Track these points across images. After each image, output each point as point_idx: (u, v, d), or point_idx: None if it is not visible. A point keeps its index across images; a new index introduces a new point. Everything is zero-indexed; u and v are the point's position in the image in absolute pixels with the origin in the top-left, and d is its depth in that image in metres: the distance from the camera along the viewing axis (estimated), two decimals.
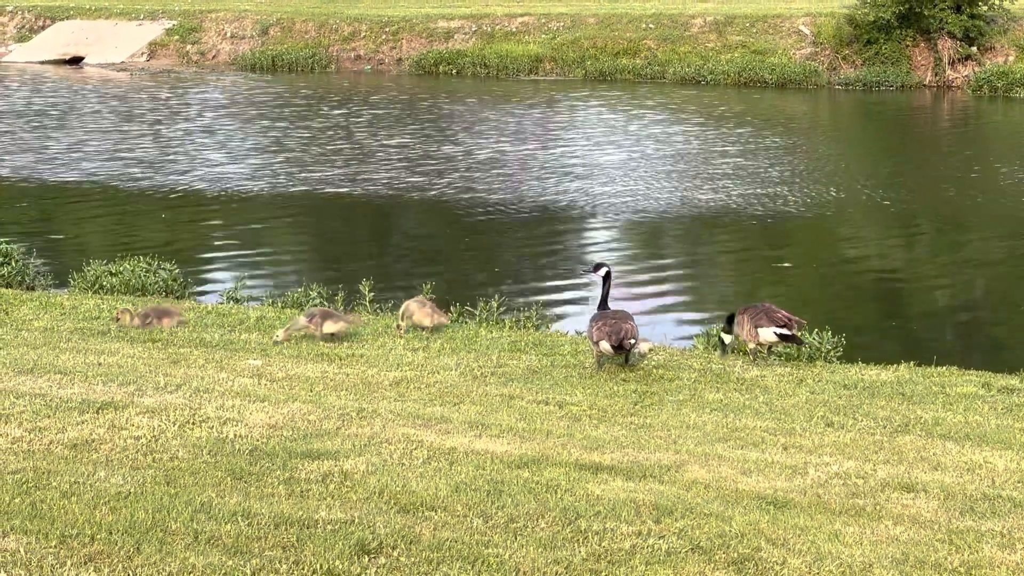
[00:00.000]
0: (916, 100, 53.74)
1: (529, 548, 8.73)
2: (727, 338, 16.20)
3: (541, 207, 31.53)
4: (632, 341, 14.84)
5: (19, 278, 21.86)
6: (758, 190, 33.06)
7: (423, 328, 16.95)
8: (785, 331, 15.46)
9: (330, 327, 16.29)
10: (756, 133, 43.63)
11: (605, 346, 14.82)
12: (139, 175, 35.83)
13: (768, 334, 15.53)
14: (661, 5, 65.55)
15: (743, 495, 10.17)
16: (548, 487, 10.02)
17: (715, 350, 16.57)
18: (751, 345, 15.92)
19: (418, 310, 17.03)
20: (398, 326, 17.01)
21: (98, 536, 8.59)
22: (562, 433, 12.04)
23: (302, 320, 16.41)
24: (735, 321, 15.95)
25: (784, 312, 15.64)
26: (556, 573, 8.34)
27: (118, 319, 16.85)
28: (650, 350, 15.85)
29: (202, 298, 21.92)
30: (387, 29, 63.38)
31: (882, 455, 11.77)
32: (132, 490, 9.55)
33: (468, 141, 42.22)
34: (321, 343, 16.19)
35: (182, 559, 8.30)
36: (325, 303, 19.50)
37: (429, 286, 19.77)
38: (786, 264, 26.93)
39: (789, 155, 39.19)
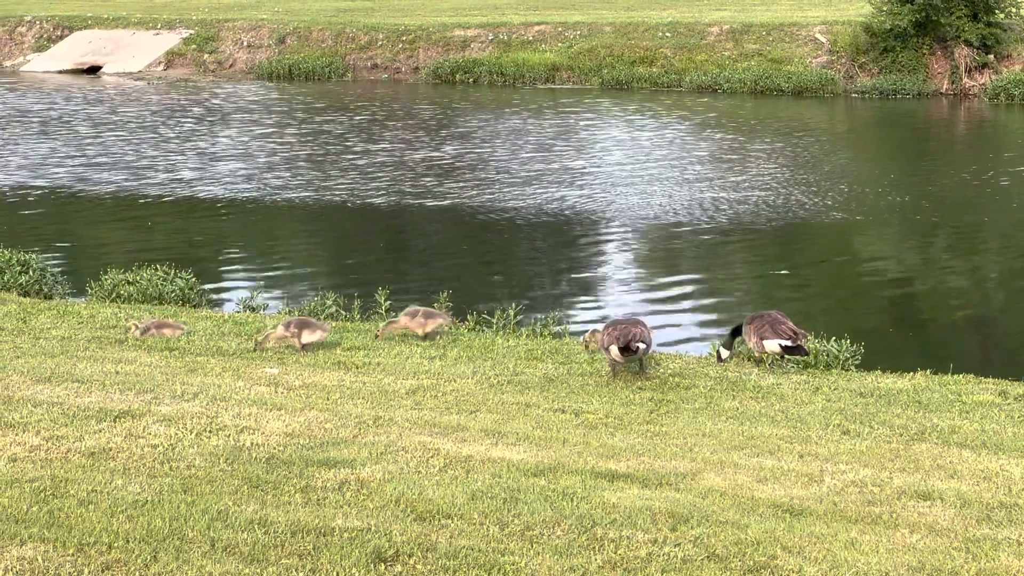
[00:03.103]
0: (933, 108, 53.66)
1: (545, 556, 8.74)
2: (724, 353, 16.19)
3: (558, 215, 31.54)
4: (642, 345, 14.81)
5: (37, 287, 21.91)
6: (774, 197, 33.04)
7: (417, 337, 16.94)
8: (789, 343, 15.46)
9: (308, 337, 16.28)
10: (772, 141, 43.60)
11: (615, 350, 14.80)
12: (154, 183, 35.90)
13: (773, 346, 15.54)
14: (678, 13, 65.55)
15: (759, 503, 10.18)
16: (564, 495, 10.04)
17: (719, 361, 16.53)
18: (756, 354, 15.94)
19: (409, 321, 17.04)
20: (376, 336, 17.09)
21: (115, 544, 8.62)
22: (578, 441, 12.05)
23: (280, 330, 16.42)
24: (743, 331, 15.96)
25: (790, 324, 15.63)
26: None
27: (128, 330, 16.87)
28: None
29: (218, 307, 21.95)
30: (404, 38, 63.45)
31: (898, 463, 11.76)
32: (149, 498, 9.58)
33: (483, 149, 42.24)
34: (337, 349, 16.23)
35: (199, 567, 8.33)
36: (342, 311, 19.53)
37: (445, 294, 19.80)
38: (783, 271, 26.89)
39: (805, 163, 39.15)
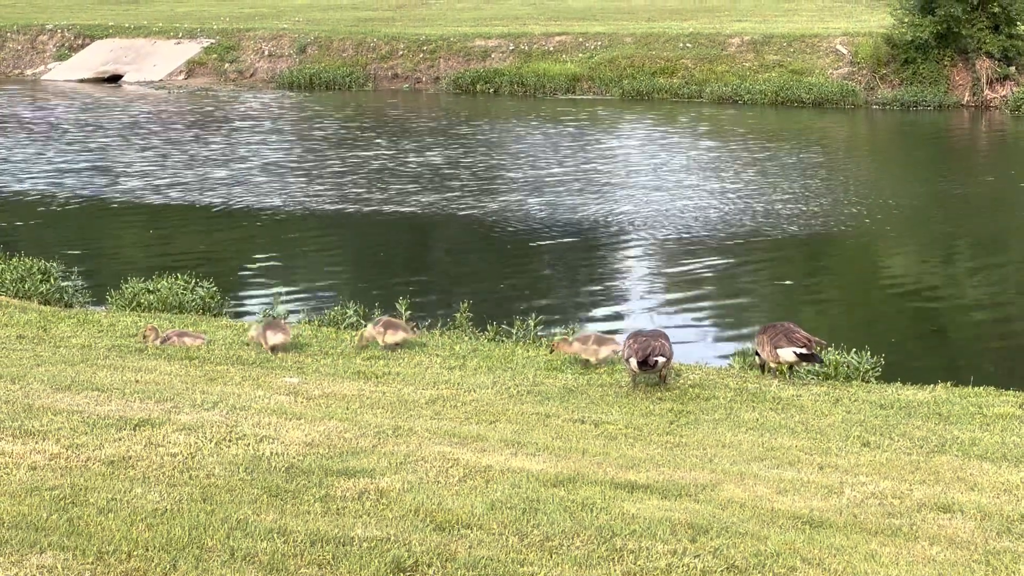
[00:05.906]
0: (954, 120, 53.54)
1: (564, 567, 8.73)
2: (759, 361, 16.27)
3: (576, 225, 31.53)
4: (661, 359, 14.80)
5: (57, 295, 21.96)
6: (795, 208, 32.99)
7: (380, 347, 16.98)
8: (804, 351, 15.48)
9: (272, 338, 16.47)
10: (794, 152, 43.54)
11: (633, 363, 14.81)
12: (173, 191, 35.97)
13: (788, 354, 15.55)
14: (698, 24, 65.49)
15: (779, 514, 10.16)
16: (584, 505, 10.03)
17: (751, 369, 16.56)
18: (772, 365, 15.96)
19: (371, 328, 17.14)
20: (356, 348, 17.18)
21: (135, 553, 8.63)
22: (598, 452, 12.05)
23: (252, 331, 16.71)
24: (756, 342, 16.02)
25: (803, 332, 15.65)
26: None
27: (145, 336, 16.93)
28: (613, 352, 16.00)
29: (238, 316, 21.98)
30: (424, 48, 63.48)
31: (918, 475, 11.73)
32: (169, 507, 9.59)
33: (503, 160, 42.24)
34: (357, 358, 16.25)
35: None
36: (362, 321, 19.53)
37: (465, 304, 19.84)
38: (787, 282, 26.87)
39: (826, 174, 39.09)
